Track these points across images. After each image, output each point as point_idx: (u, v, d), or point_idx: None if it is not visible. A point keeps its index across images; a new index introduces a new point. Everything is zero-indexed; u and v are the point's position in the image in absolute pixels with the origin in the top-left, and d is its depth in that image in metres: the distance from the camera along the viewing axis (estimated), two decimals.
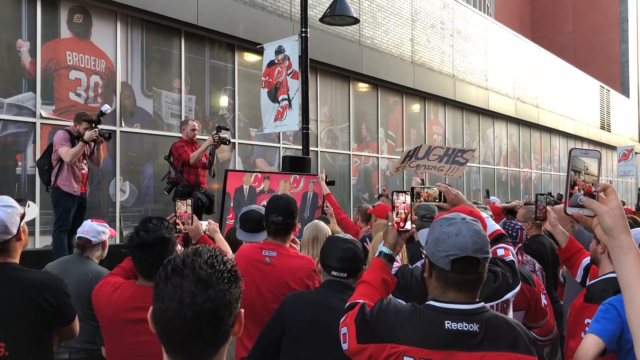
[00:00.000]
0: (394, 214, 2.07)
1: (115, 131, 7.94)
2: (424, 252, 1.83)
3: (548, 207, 3.15)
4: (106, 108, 5.57)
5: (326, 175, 7.46)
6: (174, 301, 1.15)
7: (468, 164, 6.05)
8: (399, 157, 13.73)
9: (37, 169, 5.79)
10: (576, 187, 1.31)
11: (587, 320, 2.60)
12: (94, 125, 5.52)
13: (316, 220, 3.70)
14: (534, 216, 4.02)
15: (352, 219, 5.99)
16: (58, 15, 7.58)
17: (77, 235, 3.64)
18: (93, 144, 5.63)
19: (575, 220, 1.34)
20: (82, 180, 5.63)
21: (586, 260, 2.99)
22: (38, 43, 7.31)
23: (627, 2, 33.50)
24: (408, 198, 2.11)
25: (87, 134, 5.43)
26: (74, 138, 5.55)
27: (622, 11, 33.57)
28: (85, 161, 5.70)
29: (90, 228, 3.60)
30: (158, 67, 8.79)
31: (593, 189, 1.30)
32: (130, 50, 8.42)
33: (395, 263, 2.47)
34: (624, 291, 1.25)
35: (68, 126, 5.82)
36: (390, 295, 2.18)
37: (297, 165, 6.70)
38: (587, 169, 1.32)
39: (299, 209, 3.27)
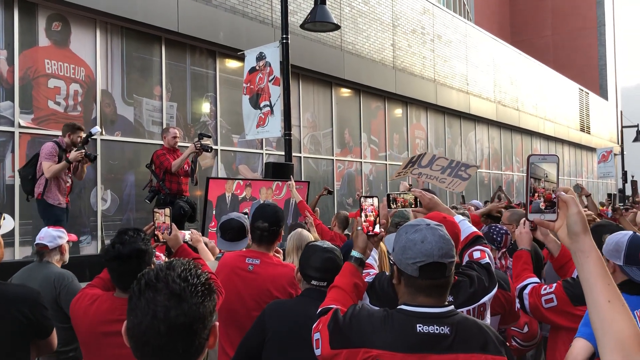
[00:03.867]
0: (363, 217, 2.09)
1: (95, 139, 7.87)
2: (391, 259, 1.85)
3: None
4: (96, 130, 5.60)
5: (329, 189, 7.49)
6: (147, 315, 1.15)
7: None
8: (382, 162, 13.84)
9: (19, 177, 5.75)
10: (536, 194, 1.33)
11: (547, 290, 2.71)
12: (80, 145, 5.51)
13: (300, 229, 3.71)
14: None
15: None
16: (36, 23, 7.50)
17: (35, 243, 3.79)
18: (77, 163, 5.64)
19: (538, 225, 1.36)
20: (67, 192, 5.63)
21: None
22: (16, 51, 7.22)
23: (604, 7, 34.14)
24: (376, 201, 2.13)
25: (73, 155, 5.42)
26: (62, 151, 5.53)
27: (600, 15, 34.19)
28: (70, 174, 5.71)
29: (46, 234, 3.75)
30: (138, 74, 8.74)
31: (553, 196, 1.32)
32: (110, 57, 8.36)
33: (372, 270, 2.48)
34: (586, 294, 1.26)
35: (57, 137, 5.77)
36: (364, 301, 2.19)
37: (279, 171, 6.69)
38: (546, 177, 1.34)
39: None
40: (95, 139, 7.85)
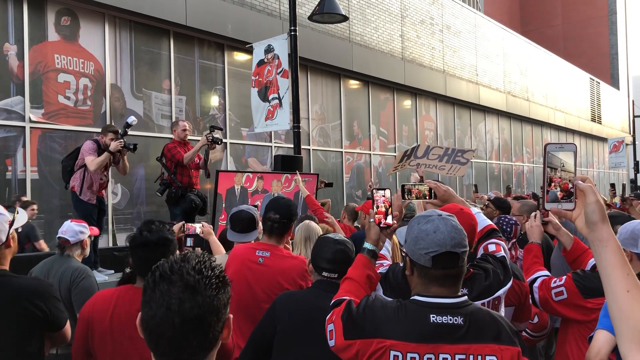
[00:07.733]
0: (374, 209, 2.09)
1: None
2: (404, 250, 1.85)
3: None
4: (132, 120, 5.78)
5: (325, 181, 7.44)
6: (161, 307, 1.15)
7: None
8: (391, 154, 13.80)
9: (62, 165, 5.99)
10: (553, 184, 1.32)
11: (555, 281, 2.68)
12: (120, 136, 5.71)
13: (307, 221, 3.71)
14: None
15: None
16: (45, 18, 7.53)
17: (57, 236, 3.83)
18: (118, 154, 5.82)
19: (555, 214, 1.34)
20: (99, 189, 5.85)
21: (592, 260, 2.96)
22: (25, 46, 7.26)
23: None
24: (388, 193, 2.12)
25: (113, 145, 5.64)
26: (101, 149, 5.75)
27: (611, 3, 33.76)
28: (106, 172, 5.91)
29: (68, 228, 3.79)
30: (147, 68, 8.76)
31: (570, 186, 1.30)
32: (119, 51, 8.38)
33: (385, 261, 2.48)
34: (605, 284, 1.24)
35: (97, 135, 6.07)
36: (377, 292, 2.19)
37: (288, 164, 6.69)
38: (563, 166, 1.32)
39: None
40: None
